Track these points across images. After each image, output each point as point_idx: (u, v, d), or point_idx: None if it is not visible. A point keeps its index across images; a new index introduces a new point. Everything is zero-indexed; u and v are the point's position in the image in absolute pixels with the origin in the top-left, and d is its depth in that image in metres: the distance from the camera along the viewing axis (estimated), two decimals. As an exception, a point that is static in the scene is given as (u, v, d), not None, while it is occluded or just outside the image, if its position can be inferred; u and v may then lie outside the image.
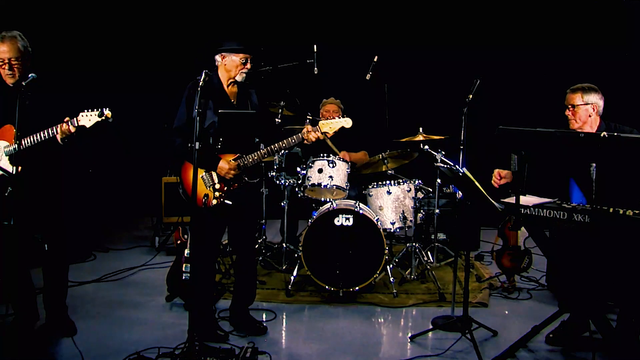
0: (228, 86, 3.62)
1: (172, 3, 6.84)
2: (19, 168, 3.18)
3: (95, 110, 3.27)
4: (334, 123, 3.57)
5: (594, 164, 2.84)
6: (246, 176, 3.56)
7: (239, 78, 3.57)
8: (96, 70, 6.40)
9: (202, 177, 3.52)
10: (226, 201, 3.51)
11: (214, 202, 3.51)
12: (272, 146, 3.54)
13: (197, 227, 3.44)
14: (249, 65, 3.55)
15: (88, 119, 3.26)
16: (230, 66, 3.54)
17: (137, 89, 6.63)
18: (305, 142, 3.55)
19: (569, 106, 3.54)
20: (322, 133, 3.55)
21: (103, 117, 3.25)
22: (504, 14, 6.60)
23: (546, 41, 6.50)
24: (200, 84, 3.22)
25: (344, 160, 4.81)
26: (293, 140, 3.55)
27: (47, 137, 3.30)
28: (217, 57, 3.58)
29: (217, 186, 3.52)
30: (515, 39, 6.52)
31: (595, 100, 3.51)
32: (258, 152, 3.54)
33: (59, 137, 3.28)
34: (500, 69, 6.32)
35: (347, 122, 3.57)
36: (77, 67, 6.05)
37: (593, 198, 3.38)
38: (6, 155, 3.38)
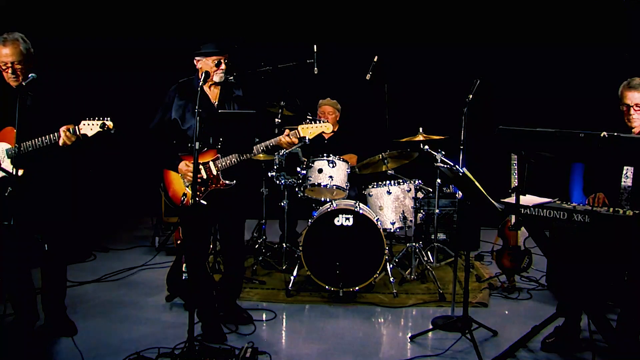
0: (210, 87, 3.64)
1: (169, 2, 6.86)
2: (21, 171, 3.18)
3: (97, 119, 3.31)
4: (313, 128, 3.62)
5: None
6: (223, 177, 3.58)
7: (216, 79, 3.58)
8: (96, 69, 6.40)
9: (181, 175, 3.58)
10: (201, 201, 3.53)
11: (191, 201, 3.53)
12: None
13: (186, 229, 3.46)
14: (223, 67, 3.57)
15: (90, 128, 3.30)
16: (205, 69, 3.53)
17: (136, 88, 6.62)
18: (283, 145, 3.61)
19: (633, 105, 3.36)
20: (299, 138, 3.60)
21: (105, 129, 3.29)
22: (505, 13, 6.59)
23: (546, 40, 6.50)
24: (201, 83, 3.24)
25: (344, 160, 4.81)
26: (270, 144, 3.59)
27: (49, 142, 3.31)
28: (194, 61, 3.62)
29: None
30: (515, 39, 6.51)
31: None
32: (234, 154, 3.56)
33: (60, 142, 3.30)
34: (500, 69, 6.31)
35: (327, 127, 3.65)
36: (79, 66, 6.04)
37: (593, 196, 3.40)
38: (8, 158, 3.38)
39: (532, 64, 6.55)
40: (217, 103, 3.63)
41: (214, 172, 3.57)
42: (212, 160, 3.57)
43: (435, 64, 6.56)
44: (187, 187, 3.57)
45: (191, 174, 3.50)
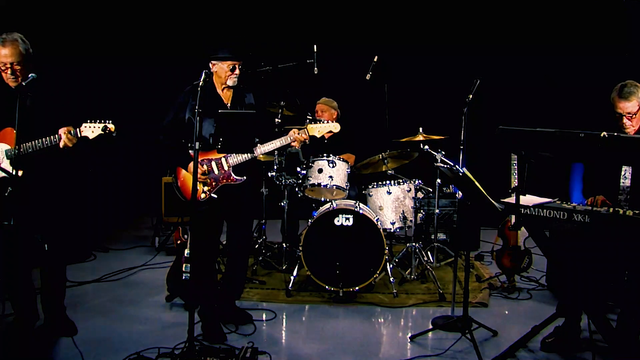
0: (222, 90, 3.72)
1: (172, 3, 6.85)
2: (20, 172, 3.18)
3: (99, 122, 3.33)
4: (322, 127, 3.73)
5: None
6: (234, 174, 3.68)
7: (230, 83, 3.69)
8: (97, 67, 6.39)
9: None
10: (212, 195, 3.66)
11: (202, 195, 3.66)
12: (261, 147, 3.67)
13: (195, 225, 3.48)
14: (237, 72, 3.66)
15: (91, 130, 3.32)
16: (220, 73, 3.66)
17: (136, 87, 6.62)
18: (293, 144, 3.71)
19: (625, 114, 3.38)
20: (309, 136, 3.70)
21: (106, 131, 3.31)
22: (505, 14, 6.60)
23: (546, 41, 6.50)
24: (201, 84, 3.26)
25: (344, 160, 4.81)
26: (280, 142, 3.69)
27: (49, 144, 3.31)
28: (210, 64, 3.69)
29: (207, 181, 3.66)
30: (515, 39, 6.51)
31: None
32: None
33: (61, 144, 3.30)
34: (500, 69, 6.31)
35: (335, 127, 3.76)
36: (81, 62, 6.03)
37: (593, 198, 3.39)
38: (7, 158, 3.38)
39: (532, 64, 6.54)
40: (229, 105, 3.73)
41: (225, 168, 3.68)
42: (224, 157, 3.67)
43: (435, 64, 6.56)
44: (200, 182, 3.66)
45: (203, 178, 3.64)
